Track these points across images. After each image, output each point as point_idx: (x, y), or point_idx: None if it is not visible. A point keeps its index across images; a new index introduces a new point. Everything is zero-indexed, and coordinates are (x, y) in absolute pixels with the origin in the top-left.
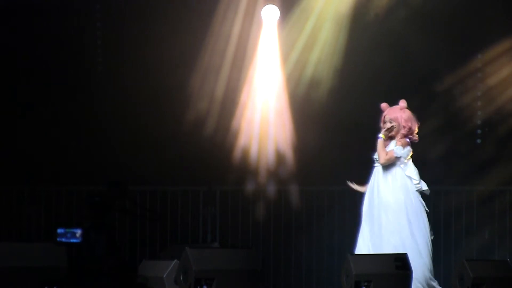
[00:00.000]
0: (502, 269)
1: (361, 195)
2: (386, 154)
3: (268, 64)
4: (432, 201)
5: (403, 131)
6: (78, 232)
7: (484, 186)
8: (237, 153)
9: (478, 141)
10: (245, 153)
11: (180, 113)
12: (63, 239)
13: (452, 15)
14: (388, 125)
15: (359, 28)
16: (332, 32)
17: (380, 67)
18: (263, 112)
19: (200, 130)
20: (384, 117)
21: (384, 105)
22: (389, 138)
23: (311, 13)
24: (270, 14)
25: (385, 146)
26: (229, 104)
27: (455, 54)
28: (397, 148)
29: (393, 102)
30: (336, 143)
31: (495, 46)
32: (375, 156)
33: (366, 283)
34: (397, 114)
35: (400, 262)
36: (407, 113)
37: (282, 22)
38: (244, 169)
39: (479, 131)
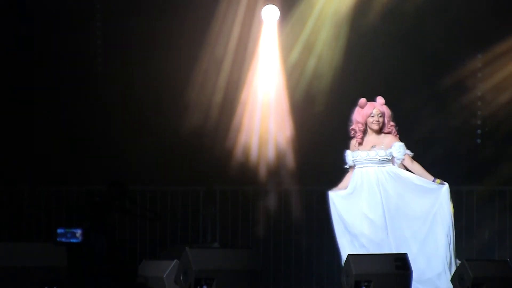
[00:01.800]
0: (502, 269)
1: None
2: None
3: (268, 63)
4: None
5: (386, 129)
6: (78, 232)
7: (484, 186)
8: (237, 153)
9: (478, 141)
10: (245, 153)
11: (181, 113)
12: (63, 239)
13: (452, 15)
14: (380, 119)
15: (359, 28)
16: (332, 32)
17: (380, 67)
18: (263, 112)
19: (201, 130)
20: (372, 111)
21: (363, 100)
22: (375, 132)
23: (311, 13)
24: (270, 14)
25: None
26: (230, 104)
27: (455, 54)
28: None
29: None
30: (336, 142)
31: (495, 46)
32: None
33: (366, 283)
34: (383, 109)
35: (400, 262)
36: (388, 110)
37: (282, 22)
38: (244, 169)
39: (479, 131)
